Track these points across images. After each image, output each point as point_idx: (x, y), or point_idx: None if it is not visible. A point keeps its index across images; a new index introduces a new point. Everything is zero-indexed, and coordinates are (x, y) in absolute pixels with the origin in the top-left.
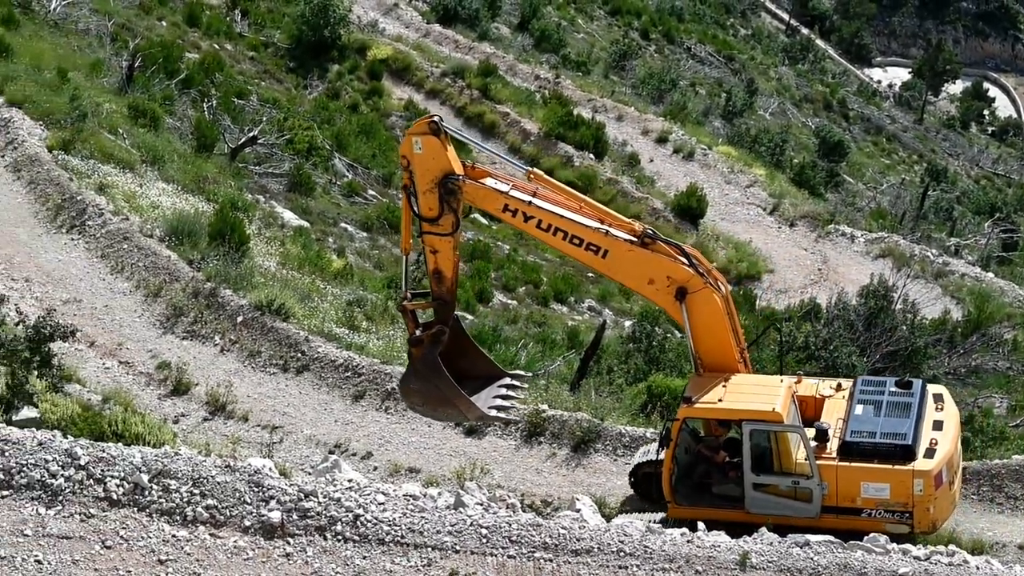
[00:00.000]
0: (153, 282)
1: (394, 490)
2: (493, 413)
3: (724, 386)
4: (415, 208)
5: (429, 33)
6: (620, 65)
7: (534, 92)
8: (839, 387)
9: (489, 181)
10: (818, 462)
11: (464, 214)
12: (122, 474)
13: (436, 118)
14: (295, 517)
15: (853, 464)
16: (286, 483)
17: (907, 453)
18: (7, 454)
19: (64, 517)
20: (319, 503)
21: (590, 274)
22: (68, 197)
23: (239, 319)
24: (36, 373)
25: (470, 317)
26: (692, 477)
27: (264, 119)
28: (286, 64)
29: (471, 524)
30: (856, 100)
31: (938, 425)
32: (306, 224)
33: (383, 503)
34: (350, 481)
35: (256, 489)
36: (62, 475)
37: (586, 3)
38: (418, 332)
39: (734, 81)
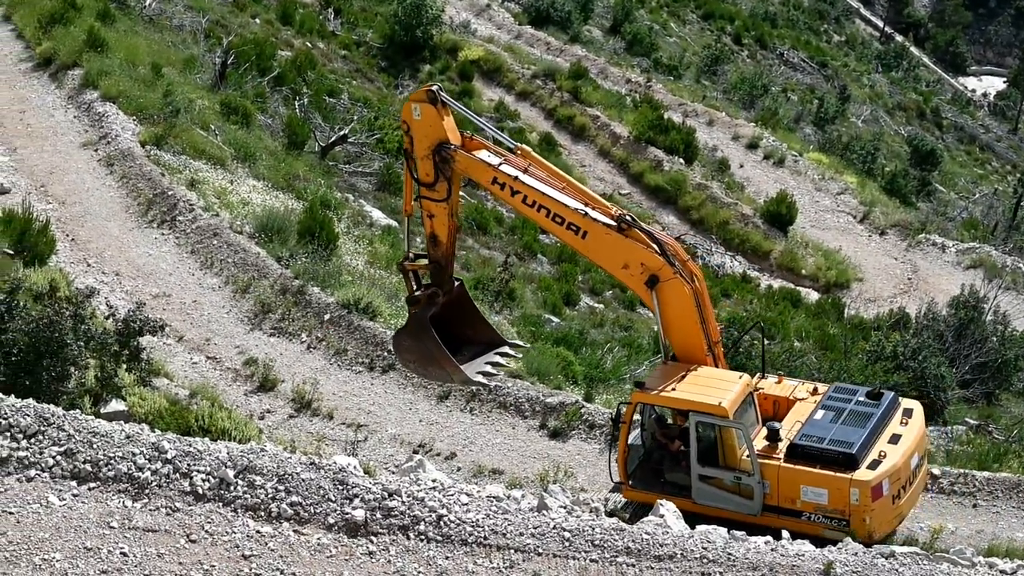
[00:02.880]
0: (242, 278)
1: (477, 491)
2: (477, 378)
3: (684, 376)
4: (414, 172)
5: (521, 35)
6: (712, 70)
7: (625, 96)
8: (815, 391)
9: (482, 153)
10: (764, 461)
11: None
12: (208, 469)
13: (435, 87)
14: (379, 516)
15: (796, 466)
16: (370, 482)
17: (849, 462)
18: (95, 446)
19: (150, 510)
20: (403, 502)
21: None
22: (160, 192)
23: (326, 317)
24: (125, 367)
25: (556, 320)
26: (650, 463)
27: (355, 118)
28: (378, 63)
29: (554, 527)
30: (950, 109)
31: (895, 439)
32: (394, 223)
33: (466, 504)
34: (434, 481)
35: (340, 487)
36: (149, 468)
37: (679, 7)
38: (416, 293)
39: (826, 87)
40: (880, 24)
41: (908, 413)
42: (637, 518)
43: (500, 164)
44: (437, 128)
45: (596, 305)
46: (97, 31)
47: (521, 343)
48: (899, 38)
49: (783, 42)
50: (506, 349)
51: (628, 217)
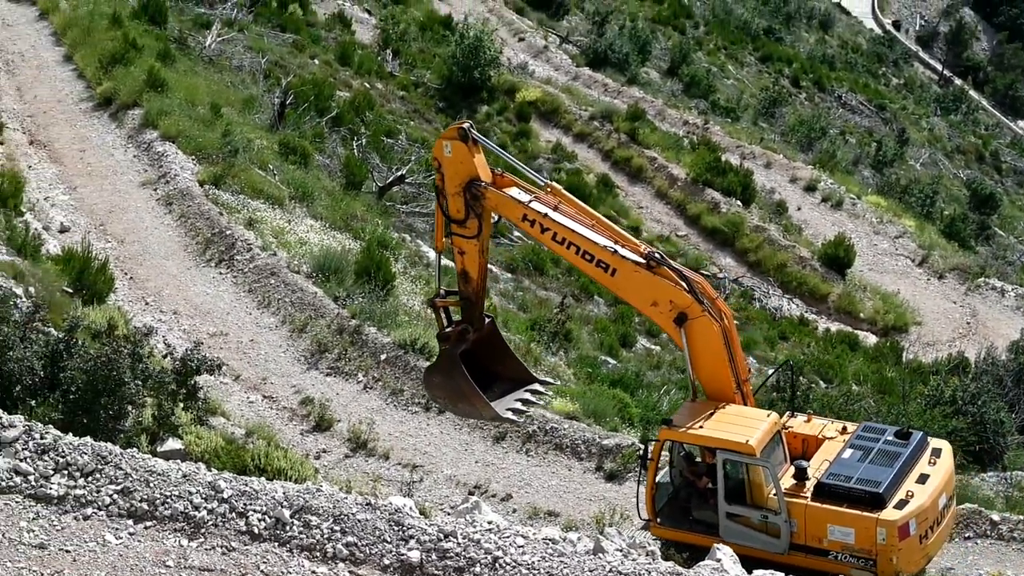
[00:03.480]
0: (299, 318)
1: (533, 533)
2: (506, 414)
3: (711, 414)
4: (445, 209)
5: (578, 76)
6: (770, 112)
7: (682, 137)
8: (844, 430)
9: (512, 190)
10: (791, 500)
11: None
12: (264, 508)
13: (466, 124)
14: (434, 557)
15: (823, 505)
16: (426, 523)
17: (876, 501)
18: (152, 485)
19: (206, 549)
20: (458, 544)
21: (735, 321)
22: (218, 231)
23: (382, 357)
24: (182, 405)
25: (612, 361)
26: (678, 500)
27: (412, 158)
28: (435, 104)
29: (610, 570)
30: (1009, 152)
31: (923, 478)
32: (451, 264)
33: (522, 546)
34: (489, 523)
35: (396, 528)
36: (205, 507)
37: (737, 50)
38: (447, 329)
39: (885, 130)
40: (939, 67)
41: (937, 453)
42: (693, 561)
43: (530, 201)
44: (468, 165)
45: (652, 347)
46: (157, 71)
47: (551, 380)
48: (958, 81)
49: (841, 85)
50: (536, 386)
51: (657, 254)
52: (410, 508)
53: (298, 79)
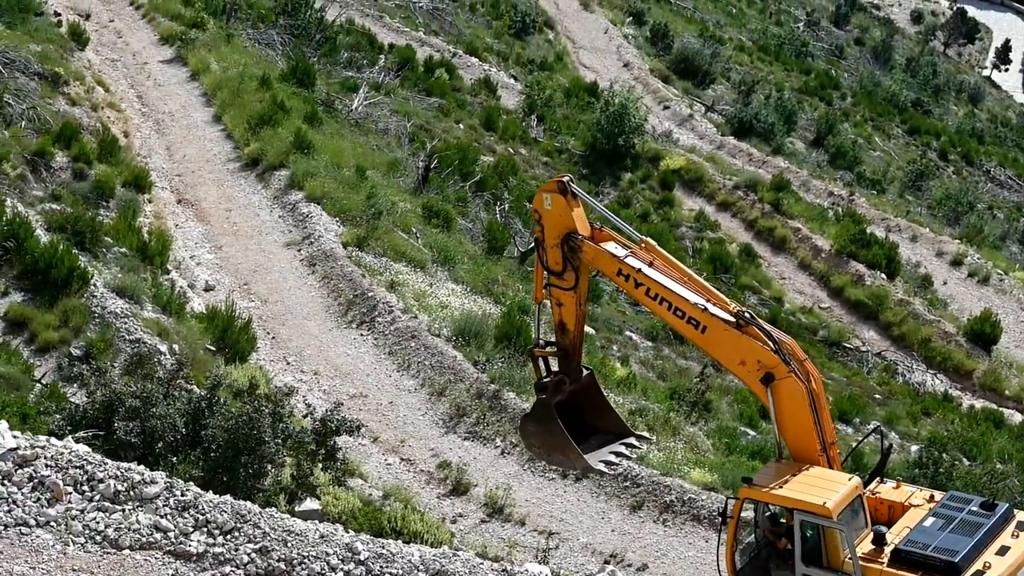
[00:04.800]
0: (438, 381)
1: None
2: (599, 466)
3: (794, 475)
4: (544, 261)
5: (723, 145)
6: (916, 185)
7: (827, 208)
8: (931, 499)
9: (609, 245)
10: (867, 565)
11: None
12: (400, 572)
13: (566, 178)
14: None
15: (898, 572)
16: None
17: (952, 570)
18: (290, 545)
19: None
20: None
21: (876, 395)
22: (360, 293)
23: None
24: (321, 466)
25: (752, 433)
26: (759, 560)
27: None
28: (579, 171)
29: None
30: None
31: (1003, 550)
32: (591, 331)
33: None
34: None
35: None
36: (342, 569)
37: (884, 121)
38: (544, 379)
39: None
40: None
41: (1022, 526)
42: None
43: (626, 256)
44: (566, 218)
45: (847, 430)
46: (304, 133)
47: (648, 436)
48: None
49: (990, 158)
50: (632, 440)
51: (746, 314)
52: (546, 575)
53: (443, 143)
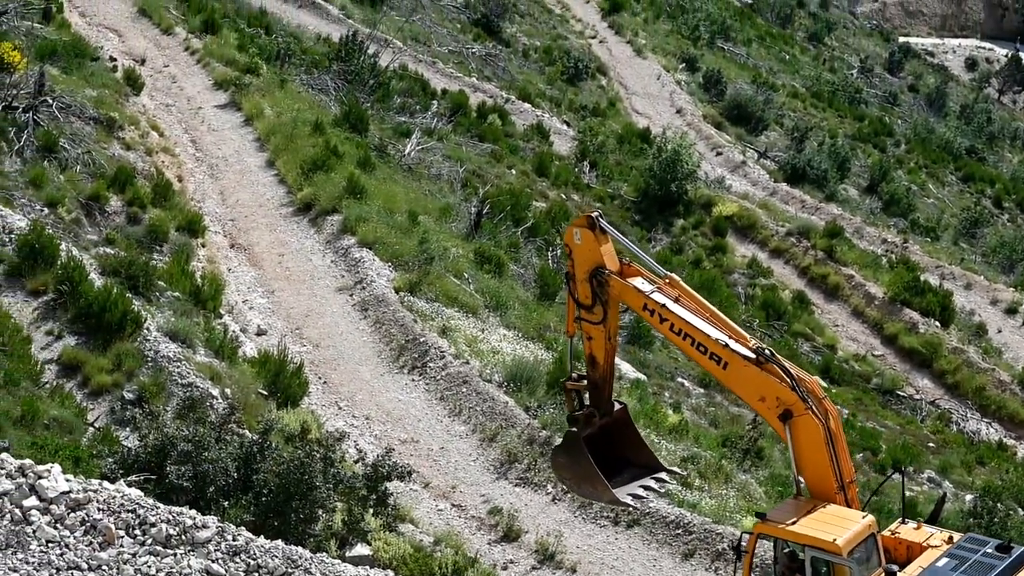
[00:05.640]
0: (489, 427)
1: None
2: (626, 499)
3: (809, 511)
4: (574, 294)
5: (776, 191)
6: (970, 232)
7: (880, 255)
8: (950, 539)
9: (636, 280)
10: None
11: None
12: None
13: (595, 213)
14: None
15: None
16: None
17: None
18: None
19: None
20: None
21: (930, 444)
22: (411, 338)
23: None
24: (372, 511)
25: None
26: None
27: None
28: (631, 216)
29: None
30: None
31: None
32: (643, 377)
33: None
34: None
35: None
36: None
37: (938, 168)
38: (576, 412)
39: None
40: None
41: None
42: None
43: (652, 292)
44: (595, 253)
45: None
46: (357, 178)
47: (679, 471)
48: None
49: None
50: (662, 475)
51: (766, 351)
52: None
53: (495, 188)
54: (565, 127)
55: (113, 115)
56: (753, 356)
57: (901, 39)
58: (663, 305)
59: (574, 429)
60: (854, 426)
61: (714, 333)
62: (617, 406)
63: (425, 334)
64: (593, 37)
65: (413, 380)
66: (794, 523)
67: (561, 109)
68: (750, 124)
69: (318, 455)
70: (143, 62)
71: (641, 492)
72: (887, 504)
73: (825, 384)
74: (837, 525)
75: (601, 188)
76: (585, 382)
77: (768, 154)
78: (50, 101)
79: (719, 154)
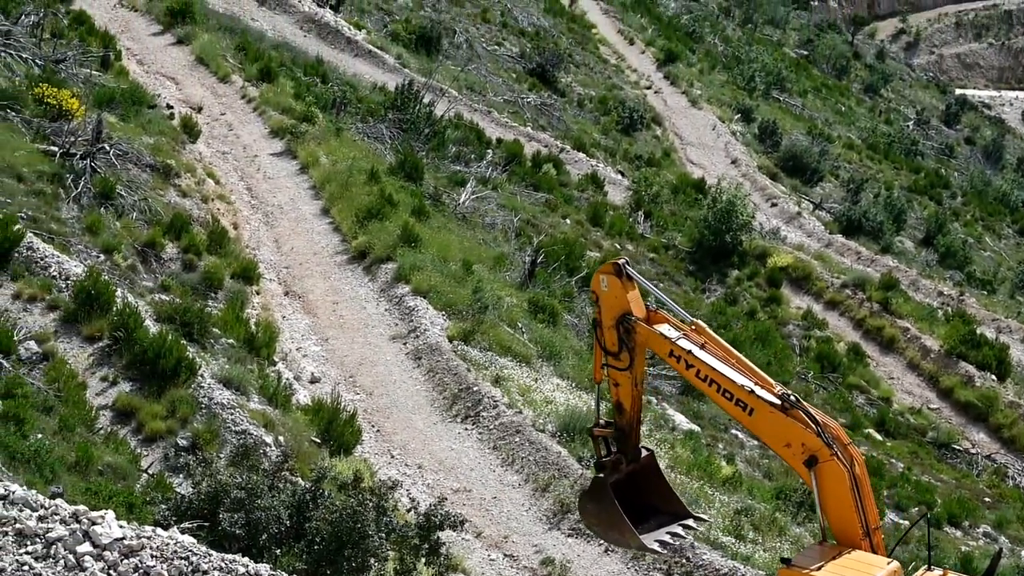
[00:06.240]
0: (542, 477)
1: None
2: (653, 545)
3: (834, 558)
4: (601, 341)
5: (831, 243)
6: None
7: (936, 308)
8: None
9: (663, 327)
10: None
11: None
12: None
13: (621, 260)
14: None
15: None
16: None
17: None
18: None
19: None
20: None
21: (987, 499)
22: (465, 387)
23: None
24: (424, 560)
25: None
26: None
27: None
28: (685, 267)
29: None
30: None
31: None
32: (696, 428)
33: None
34: None
35: None
36: None
37: (994, 221)
38: (604, 459)
39: None
40: None
41: None
42: None
43: (678, 338)
44: (621, 300)
45: (901, 521)
46: (411, 227)
47: (705, 517)
48: None
49: None
50: (690, 522)
51: (792, 397)
52: None
53: (549, 238)
54: (620, 177)
55: (170, 162)
56: (779, 402)
57: (958, 91)
58: (689, 351)
59: (601, 475)
60: (909, 480)
61: (740, 379)
62: (644, 452)
63: (478, 383)
64: (648, 87)
65: (466, 429)
66: (819, 568)
67: (616, 159)
68: (805, 175)
69: (371, 503)
70: (200, 110)
71: (668, 538)
72: (941, 556)
73: (880, 437)
74: (862, 571)
75: (655, 238)
76: (612, 428)
77: (823, 205)
78: (107, 148)
79: (774, 205)
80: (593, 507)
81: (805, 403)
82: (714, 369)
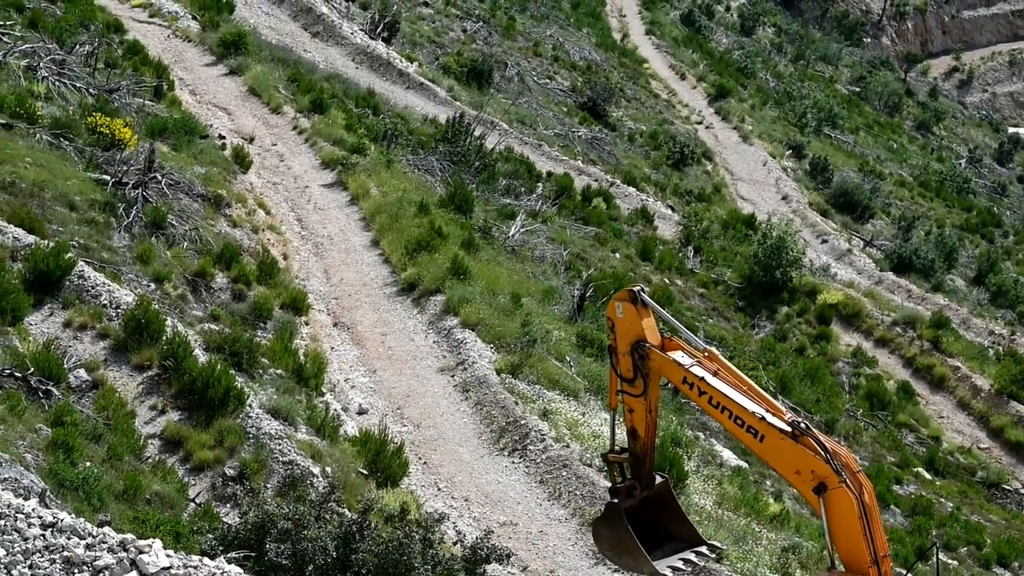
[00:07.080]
0: (589, 511)
1: None
2: (665, 571)
3: None
4: (616, 367)
5: (882, 281)
6: None
7: (987, 348)
8: None
9: (677, 354)
10: None
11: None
12: None
13: (636, 288)
14: None
15: None
16: None
17: None
18: None
19: None
20: None
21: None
22: (512, 420)
23: None
24: None
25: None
26: None
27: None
28: (735, 303)
29: None
30: None
31: None
32: (744, 465)
33: None
34: None
35: None
36: None
37: None
38: (618, 485)
39: None
40: None
41: None
42: None
43: (691, 365)
44: (636, 326)
45: (950, 562)
46: (461, 259)
47: (719, 544)
48: None
49: None
50: (703, 549)
51: (803, 424)
52: None
53: (599, 272)
54: (670, 211)
55: (221, 192)
56: (789, 429)
57: (1011, 129)
58: (702, 378)
59: (615, 501)
60: (958, 520)
61: (751, 406)
62: (659, 479)
63: (526, 416)
64: (699, 122)
65: (513, 463)
66: None
67: (666, 193)
68: (856, 212)
69: (417, 536)
70: (251, 140)
71: (680, 565)
72: None
73: (929, 476)
74: None
75: (705, 273)
76: (627, 455)
77: (874, 243)
78: (159, 178)
79: (824, 242)
80: (607, 533)
81: (815, 430)
82: (726, 396)
